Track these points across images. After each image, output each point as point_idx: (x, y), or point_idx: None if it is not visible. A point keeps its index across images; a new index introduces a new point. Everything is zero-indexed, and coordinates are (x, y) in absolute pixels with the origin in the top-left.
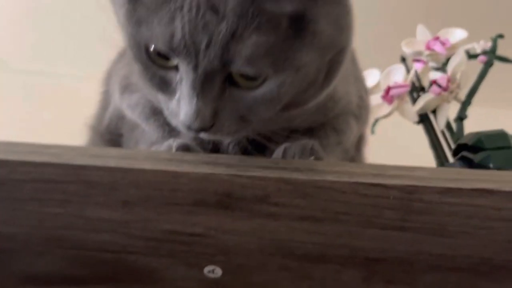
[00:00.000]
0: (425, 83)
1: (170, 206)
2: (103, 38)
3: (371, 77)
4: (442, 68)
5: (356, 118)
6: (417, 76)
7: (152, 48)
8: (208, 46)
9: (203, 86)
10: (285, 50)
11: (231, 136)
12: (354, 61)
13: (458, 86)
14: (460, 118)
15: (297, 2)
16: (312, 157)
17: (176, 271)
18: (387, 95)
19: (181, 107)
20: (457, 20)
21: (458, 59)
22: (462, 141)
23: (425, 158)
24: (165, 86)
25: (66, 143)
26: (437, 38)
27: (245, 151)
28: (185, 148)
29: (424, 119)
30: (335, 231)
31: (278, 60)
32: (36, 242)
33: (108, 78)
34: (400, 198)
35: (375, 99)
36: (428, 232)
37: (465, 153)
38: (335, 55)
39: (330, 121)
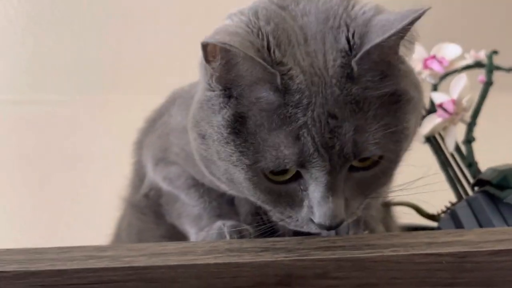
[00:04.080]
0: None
1: None
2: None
3: None
4: (438, 83)
5: None
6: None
7: (269, 171)
8: (341, 148)
9: (334, 185)
10: (395, 123)
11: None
12: None
13: (465, 109)
14: (469, 141)
15: (392, 82)
16: (366, 231)
17: None
18: None
19: (315, 211)
20: (444, 33)
21: (461, 84)
22: (484, 177)
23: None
24: (289, 198)
25: None
26: (433, 57)
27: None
28: (237, 232)
29: (431, 139)
30: None
31: (394, 134)
32: None
33: (138, 149)
34: (452, 262)
35: None
36: (477, 284)
37: (488, 188)
38: None
39: None
